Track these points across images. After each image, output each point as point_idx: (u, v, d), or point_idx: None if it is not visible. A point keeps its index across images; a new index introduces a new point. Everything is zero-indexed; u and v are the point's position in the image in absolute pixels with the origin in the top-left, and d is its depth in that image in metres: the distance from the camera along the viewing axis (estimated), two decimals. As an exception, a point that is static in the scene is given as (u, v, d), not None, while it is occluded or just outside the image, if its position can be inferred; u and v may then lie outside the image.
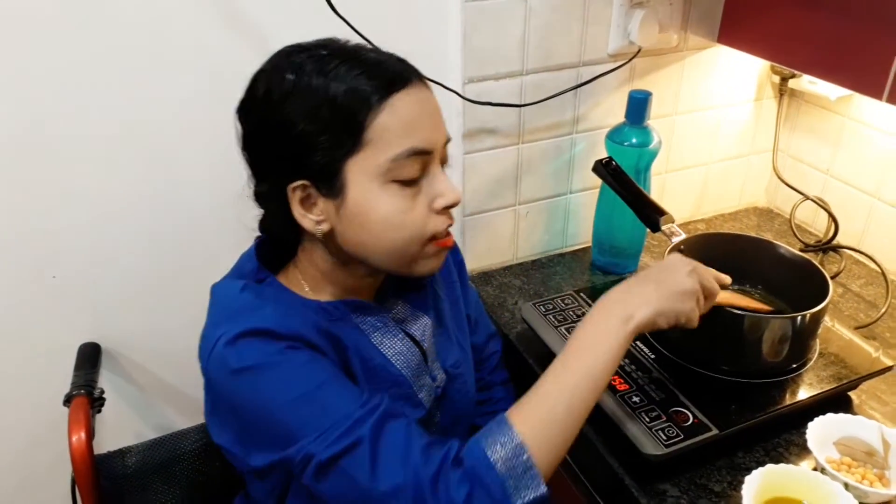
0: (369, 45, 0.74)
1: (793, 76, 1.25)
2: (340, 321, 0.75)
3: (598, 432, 0.87)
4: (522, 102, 1.10)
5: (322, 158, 0.67)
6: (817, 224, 1.32)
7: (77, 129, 0.92)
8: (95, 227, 0.99)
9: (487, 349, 1.03)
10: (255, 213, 0.76)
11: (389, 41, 0.94)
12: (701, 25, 1.17)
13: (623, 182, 1.01)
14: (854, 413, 0.86)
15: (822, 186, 1.29)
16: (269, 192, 0.72)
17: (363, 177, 0.68)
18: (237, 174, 0.74)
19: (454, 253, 0.98)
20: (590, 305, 1.02)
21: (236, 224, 0.81)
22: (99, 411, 0.94)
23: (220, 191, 0.98)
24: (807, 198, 1.30)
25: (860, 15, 0.91)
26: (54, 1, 0.85)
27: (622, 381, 0.88)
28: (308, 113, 0.67)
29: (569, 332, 0.97)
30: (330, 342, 0.72)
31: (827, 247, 1.26)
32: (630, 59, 1.14)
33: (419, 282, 0.85)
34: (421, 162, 0.69)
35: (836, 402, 0.90)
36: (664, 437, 0.80)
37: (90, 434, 0.87)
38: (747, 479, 0.75)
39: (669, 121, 1.25)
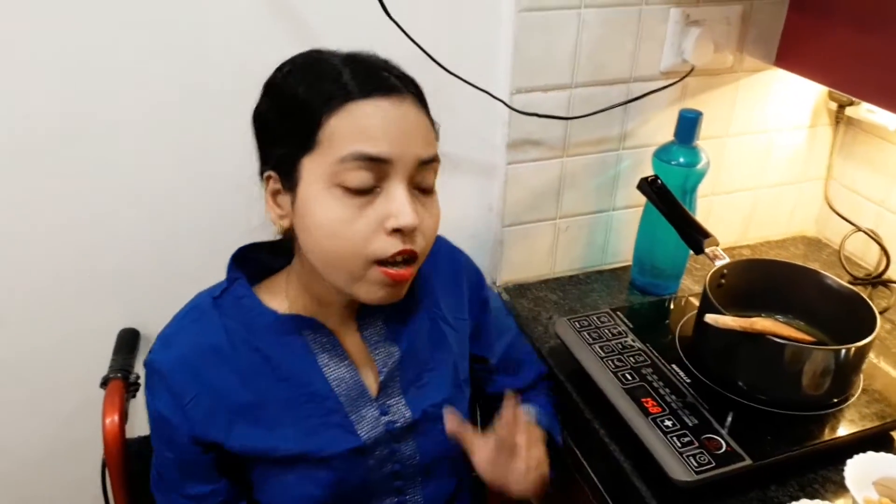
0: (380, 58, 0.73)
1: (851, 103, 1.22)
2: (289, 335, 0.76)
3: (626, 454, 0.86)
4: (570, 115, 1.09)
5: (283, 151, 0.70)
6: (868, 257, 1.27)
7: (120, 126, 0.94)
8: (140, 217, 1.01)
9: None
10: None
11: (440, 47, 0.95)
12: (758, 47, 1.14)
13: (668, 201, 0.99)
14: (897, 454, 0.83)
15: (875, 218, 1.25)
16: (261, 180, 0.76)
17: (313, 176, 0.68)
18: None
19: (479, 288, 0.93)
20: (626, 325, 1.01)
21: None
22: (134, 396, 0.96)
23: (256, 182, 0.99)
24: (858, 229, 1.26)
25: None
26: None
27: (655, 403, 0.86)
28: (278, 106, 0.72)
29: (602, 351, 0.95)
30: (232, 385, 0.75)
31: (877, 281, 1.22)
32: (682, 78, 1.12)
33: (405, 306, 0.81)
34: (372, 171, 0.67)
35: (879, 440, 0.87)
36: (695, 464, 0.78)
37: (123, 417, 0.89)
38: (779, 513, 0.73)
39: (720, 142, 1.22)
